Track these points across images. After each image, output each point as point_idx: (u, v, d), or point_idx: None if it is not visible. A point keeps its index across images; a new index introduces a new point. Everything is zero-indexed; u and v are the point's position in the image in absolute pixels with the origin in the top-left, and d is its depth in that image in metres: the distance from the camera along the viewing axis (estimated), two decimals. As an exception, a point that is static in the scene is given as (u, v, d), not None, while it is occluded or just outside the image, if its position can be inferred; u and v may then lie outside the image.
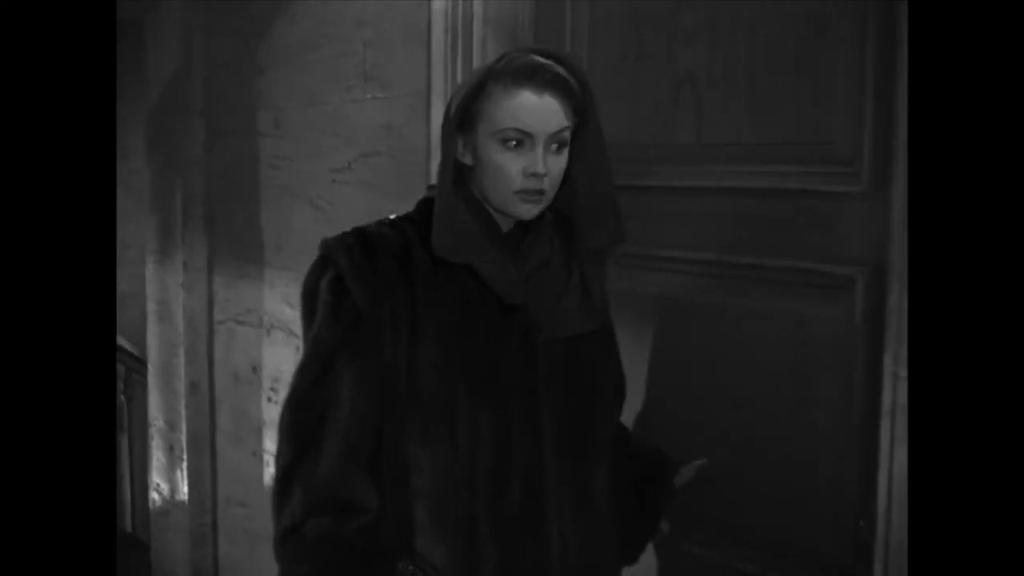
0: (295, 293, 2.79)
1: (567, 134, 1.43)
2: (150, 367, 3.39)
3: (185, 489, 3.24)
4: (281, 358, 2.85)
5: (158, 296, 3.31)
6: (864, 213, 1.58)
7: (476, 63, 2.11)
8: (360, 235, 1.45)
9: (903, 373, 1.46)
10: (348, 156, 2.51)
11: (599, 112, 1.46)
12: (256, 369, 2.96)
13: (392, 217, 1.51)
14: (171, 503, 3.35)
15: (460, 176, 1.46)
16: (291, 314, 2.79)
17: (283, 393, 2.87)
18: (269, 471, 2.95)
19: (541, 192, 1.42)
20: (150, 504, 3.50)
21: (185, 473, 3.23)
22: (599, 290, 1.53)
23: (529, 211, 1.43)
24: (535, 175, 1.40)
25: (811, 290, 1.67)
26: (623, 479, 1.65)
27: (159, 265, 3.30)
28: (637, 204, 1.77)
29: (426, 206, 1.50)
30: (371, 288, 1.41)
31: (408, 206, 2.29)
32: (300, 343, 2.79)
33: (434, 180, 2.21)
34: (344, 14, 2.49)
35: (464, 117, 1.43)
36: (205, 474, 3.23)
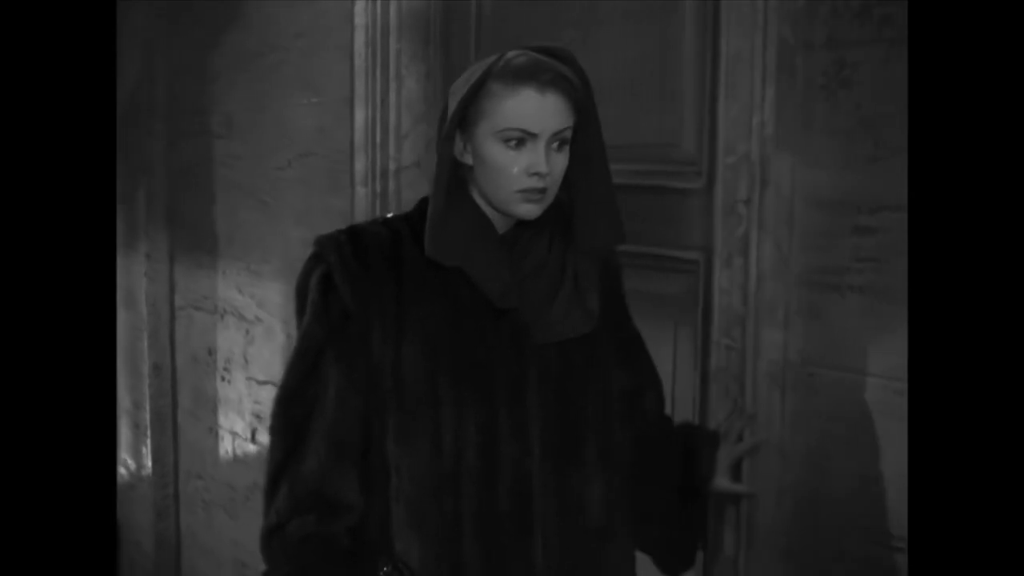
0: (245, 281, 3.06)
1: (568, 133, 1.40)
2: (117, 351, 3.64)
3: (149, 464, 3.50)
4: (233, 341, 3.10)
5: (124, 284, 3.57)
6: (702, 205, 1.84)
7: (392, 72, 2.37)
8: (352, 233, 1.44)
9: (725, 341, 1.71)
10: (288, 155, 2.76)
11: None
12: (211, 351, 3.22)
13: (389, 215, 1.49)
14: (137, 477, 3.60)
15: (458, 176, 1.43)
16: (241, 300, 3.04)
17: (235, 372, 3.13)
18: (224, 445, 3.20)
19: (543, 191, 1.39)
20: (118, 479, 3.75)
21: (149, 449, 3.49)
22: (594, 292, 1.50)
23: (531, 211, 1.40)
24: (538, 174, 1.37)
25: (664, 272, 1.93)
26: (665, 478, 1.62)
27: (125, 256, 3.55)
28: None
29: (424, 205, 1.47)
30: (359, 286, 1.39)
31: (335, 200, 2.55)
32: (249, 327, 3.05)
33: (358, 177, 2.47)
34: (284, 27, 2.74)
35: (464, 116, 1.40)
36: (167, 449, 3.48)
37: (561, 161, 1.40)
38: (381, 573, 1.42)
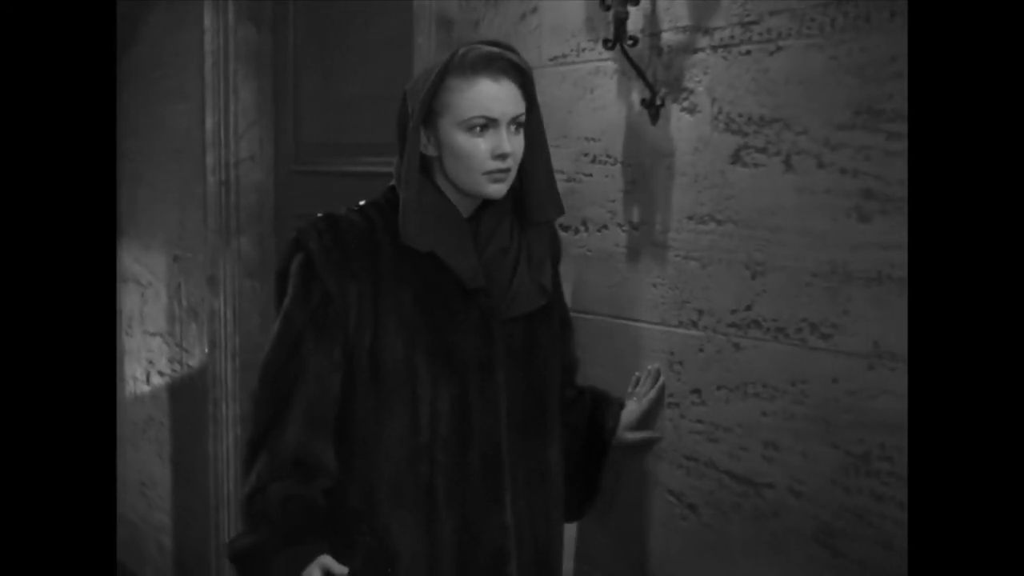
0: (140, 253, 3.75)
1: (523, 117, 1.51)
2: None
3: (75, 408, 4.17)
4: (133, 302, 3.78)
5: (54, 259, 4.24)
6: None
7: (231, 87, 3.03)
8: (330, 221, 1.51)
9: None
10: (168, 151, 3.44)
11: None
12: (119, 312, 3.90)
13: (361, 204, 1.57)
14: (66, 420, 4.27)
15: (422, 167, 1.52)
16: (139, 269, 3.72)
17: (135, 327, 3.82)
18: (128, 388, 3.88)
19: (507, 171, 1.49)
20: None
21: (74, 395, 4.16)
22: (547, 268, 1.61)
23: (499, 190, 1.50)
24: (501, 155, 1.47)
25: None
26: (571, 432, 1.71)
27: (55, 235, 4.22)
28: (345, 186, 2.61)
29: (392, 194, 1.55)
30: (339, 272, 1.47)
31: (196, 187, 3.23)
32: (144, 290, 3.74)
33: (209, 168, 3.14)
34: (165, 48, 3.42)
35: (426, 112, 1.49)
36: (88, 395, 4.16)
37: (519, 142, 1.52)
38: (358, 541, 1.51)
